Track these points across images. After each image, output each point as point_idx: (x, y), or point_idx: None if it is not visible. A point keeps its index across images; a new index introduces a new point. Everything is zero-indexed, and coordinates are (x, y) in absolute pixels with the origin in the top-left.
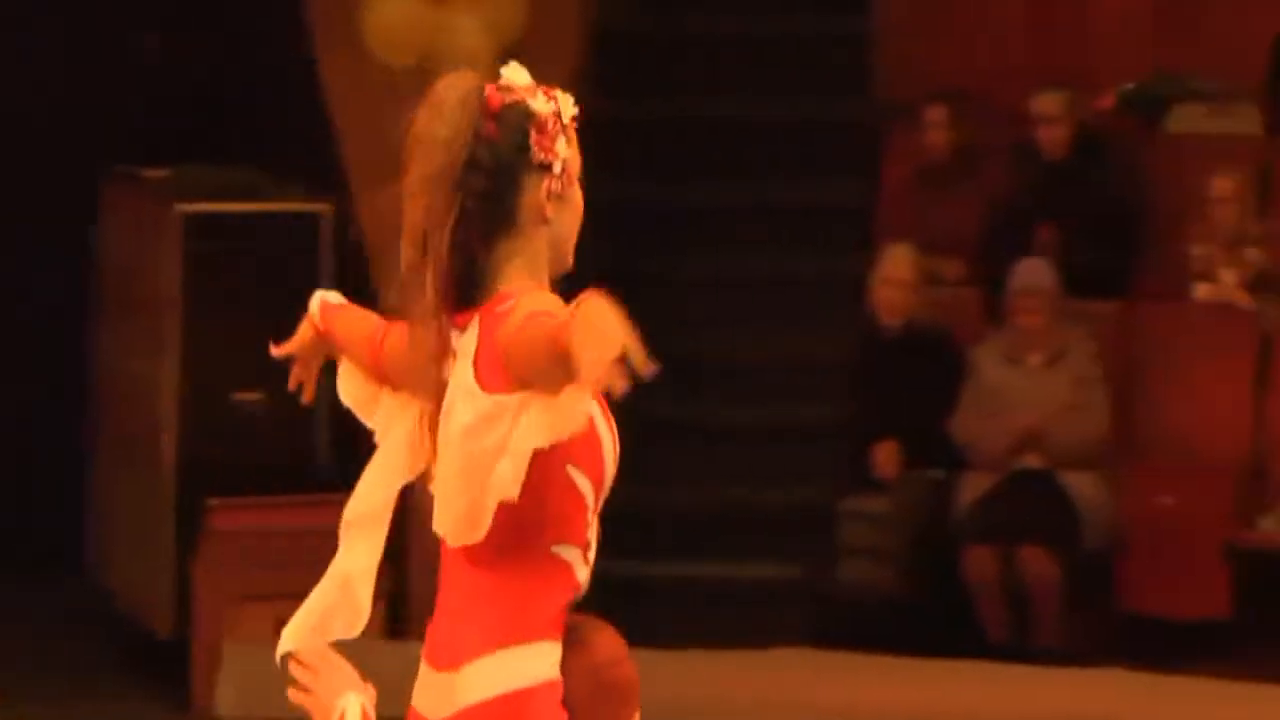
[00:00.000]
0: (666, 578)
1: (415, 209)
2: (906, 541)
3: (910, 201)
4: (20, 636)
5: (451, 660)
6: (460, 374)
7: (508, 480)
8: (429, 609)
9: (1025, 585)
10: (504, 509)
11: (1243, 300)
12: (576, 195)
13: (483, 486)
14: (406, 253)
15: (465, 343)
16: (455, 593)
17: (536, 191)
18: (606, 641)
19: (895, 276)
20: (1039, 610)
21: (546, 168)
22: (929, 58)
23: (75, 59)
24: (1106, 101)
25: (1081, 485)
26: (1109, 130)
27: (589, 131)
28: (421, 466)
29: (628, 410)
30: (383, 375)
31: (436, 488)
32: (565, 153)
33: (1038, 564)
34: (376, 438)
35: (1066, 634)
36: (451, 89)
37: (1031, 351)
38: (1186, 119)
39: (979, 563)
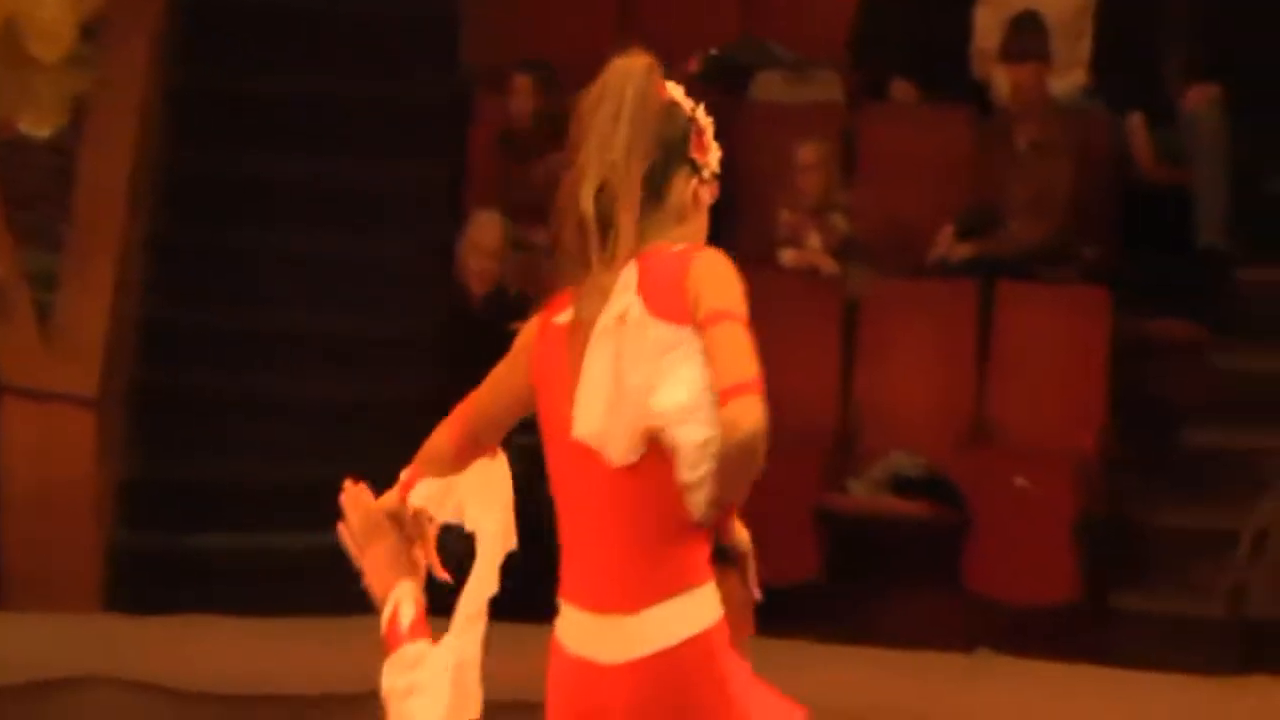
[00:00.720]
0: (238, 549)
1: (583, 181)
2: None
3: (497, 169)
4: None
5: (628, 604)
6: (618, 305)
7: (675, 404)
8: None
9: None
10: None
11: (828, 266)
12: (707, 206)
13: (644, 408)
14: (570, 220)
15: (623, 280)
16: (619, 539)
17: (685, 187)
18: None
19: (483, 244)
20: None
21: (697, 168)
22: (517, 26)
23: None
24: (692, 66)
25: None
26: (694, 97)
27: (171, 101)
28: (513, 542)
29: (206, 388)
30: (467, 448)
31: (590, 407)
32: (713, 162)
33: None
34: (469, 527)
35: None
36: (628, 77)
37: None
38: (770, 87)
39: None
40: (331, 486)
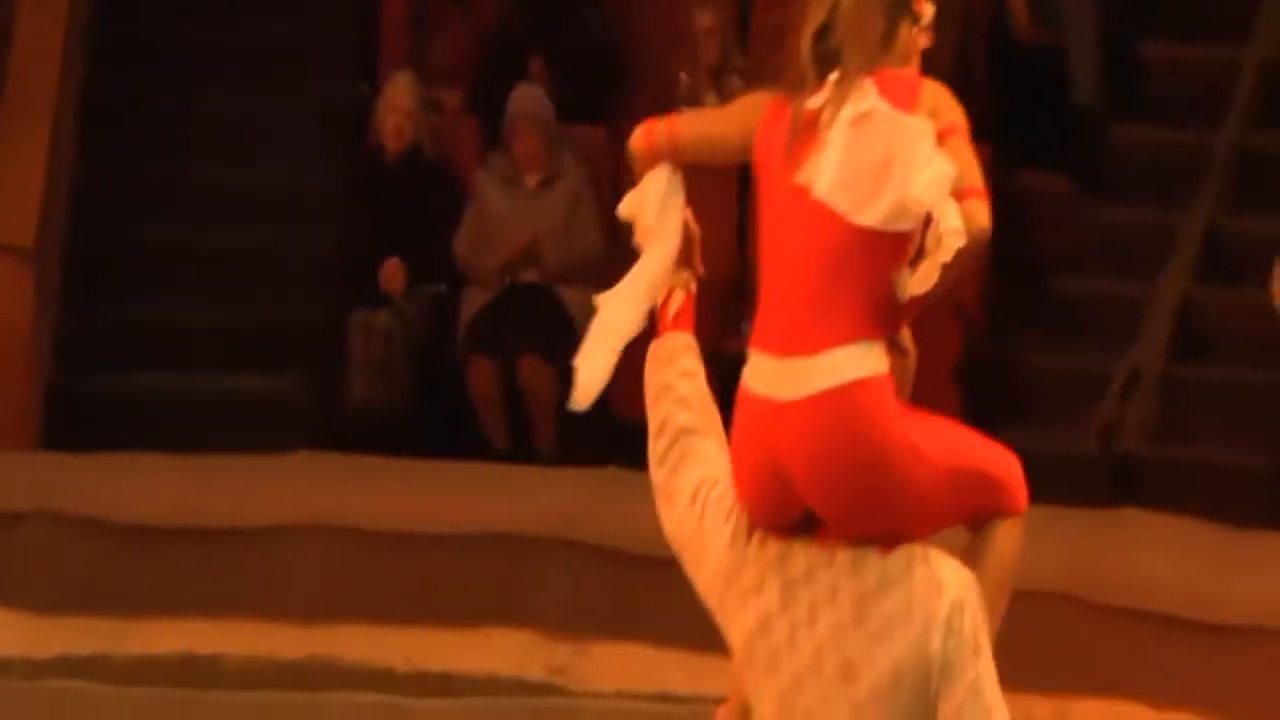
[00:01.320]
0: (166, 390)
1: (805, 26)
2: (412, 355)
3: (409, 34)
4: None
5: (808, 346)
6: (864, 102)
7: (926, 182)
8: None
9: (524, 394)
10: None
11: None
12: (920, 52)
13: (905, 183)
14: (805, 42)
15: (862, 89)
16: (816, 293)
17: (907, 34)
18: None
19: (398, 104)
20: (537, 417)
21: (916, 18)
22: None
23: None
24: None
25: (575, 298)
26: None
27: None
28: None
29: (137, 240)
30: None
31: (833, 171)
32: (929, 15)
33: (535, 374)
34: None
35: (564, 439)
36: None
37: (528, 174)
38: None
39: (481, 373)
40: (252, 331)
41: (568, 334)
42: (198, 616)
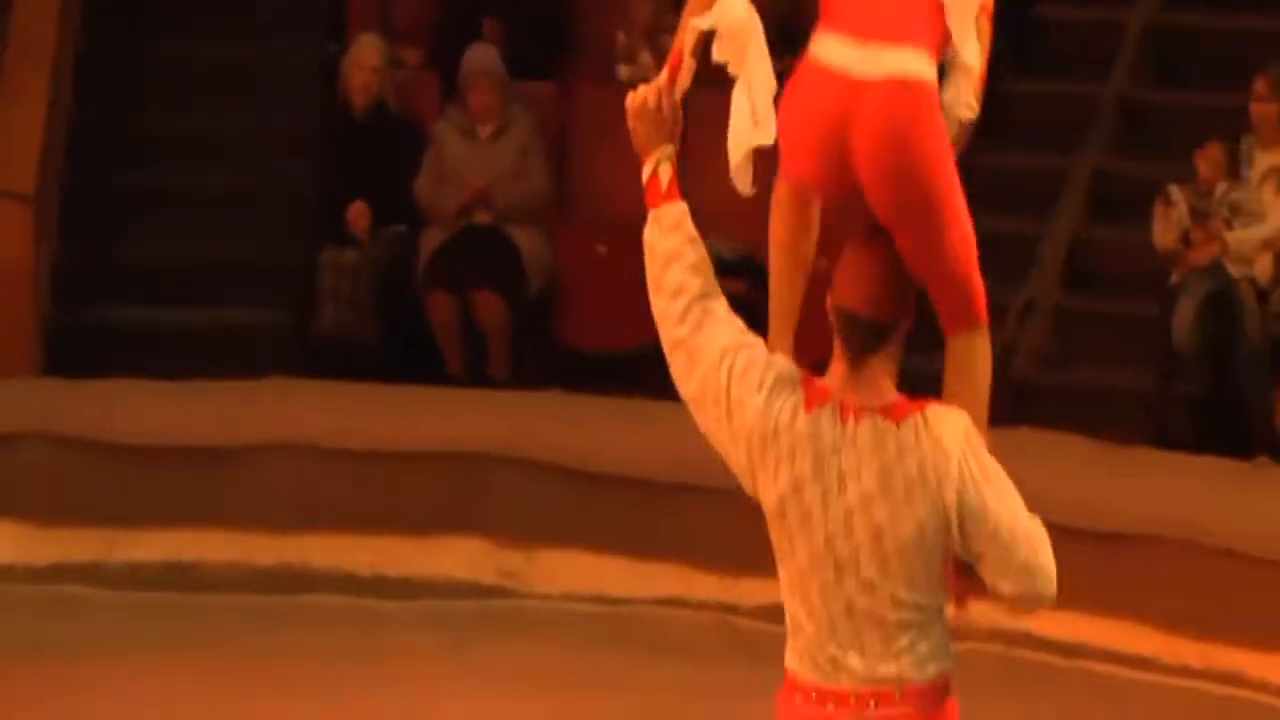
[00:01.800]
0: (154, 322)
1: None
2: (377, 289)
3: None
4: None
5: (889, 35)
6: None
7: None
8: None
9: (479, 324)
10: None
11: (658, 80)
12: None
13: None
14: None
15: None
16: None
17: None
18: None
19: (365, 62)
20: (491, 346)
21: None
22: None
23: None
24: None
25: (526, 238)
26: None
27: None
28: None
29: (129, 183)
30: None
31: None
32: None
33: (488, 306)
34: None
35: (515, 366)
36: None
37: (482, 125)
38: None
39: (439, 306)
40: (233, 268)
41: (518, 270)
42: (182, 527)
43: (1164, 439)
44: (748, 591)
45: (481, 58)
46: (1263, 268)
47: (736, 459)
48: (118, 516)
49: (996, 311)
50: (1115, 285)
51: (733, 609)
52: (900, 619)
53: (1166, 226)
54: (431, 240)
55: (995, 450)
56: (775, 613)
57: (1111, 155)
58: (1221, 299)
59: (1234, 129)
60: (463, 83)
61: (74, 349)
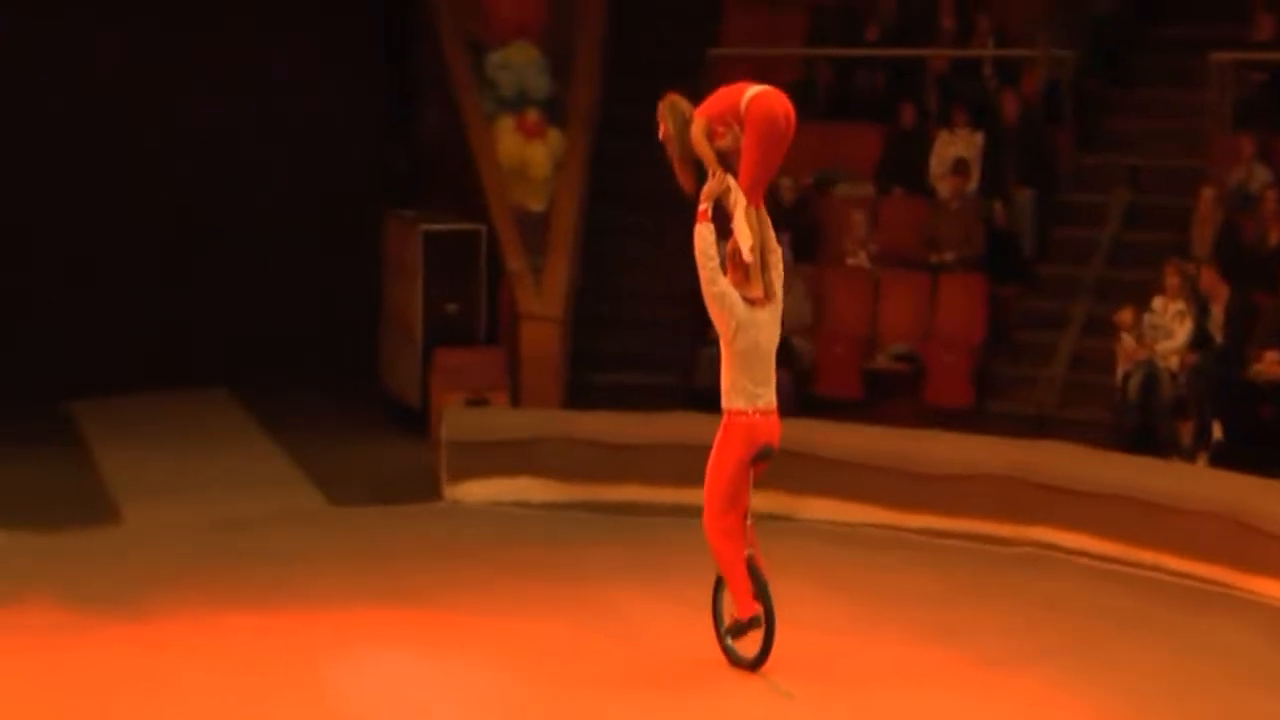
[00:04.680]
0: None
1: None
2: None
3: None
4: (343, 411)
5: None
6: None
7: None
8: None
9: (782, 387)
10: None
11: None
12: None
13: None
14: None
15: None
16: None
17: None
18: None
19: None
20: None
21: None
22: None
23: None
24: None
25: (799, 341)
26: None
27: None
28: None
29: None
30: None
31: None
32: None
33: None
34: None
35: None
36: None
37: None
38: None
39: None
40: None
41: (794, 356)
42: None
43: (1119, 447)
44: None
45: None
46: (1170, 363)
47: (730, 326)
48: None
49: None
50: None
51: None
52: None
53: (1121, 344)
54: None
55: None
56: None
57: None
58: (1150, 378)
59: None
60: None
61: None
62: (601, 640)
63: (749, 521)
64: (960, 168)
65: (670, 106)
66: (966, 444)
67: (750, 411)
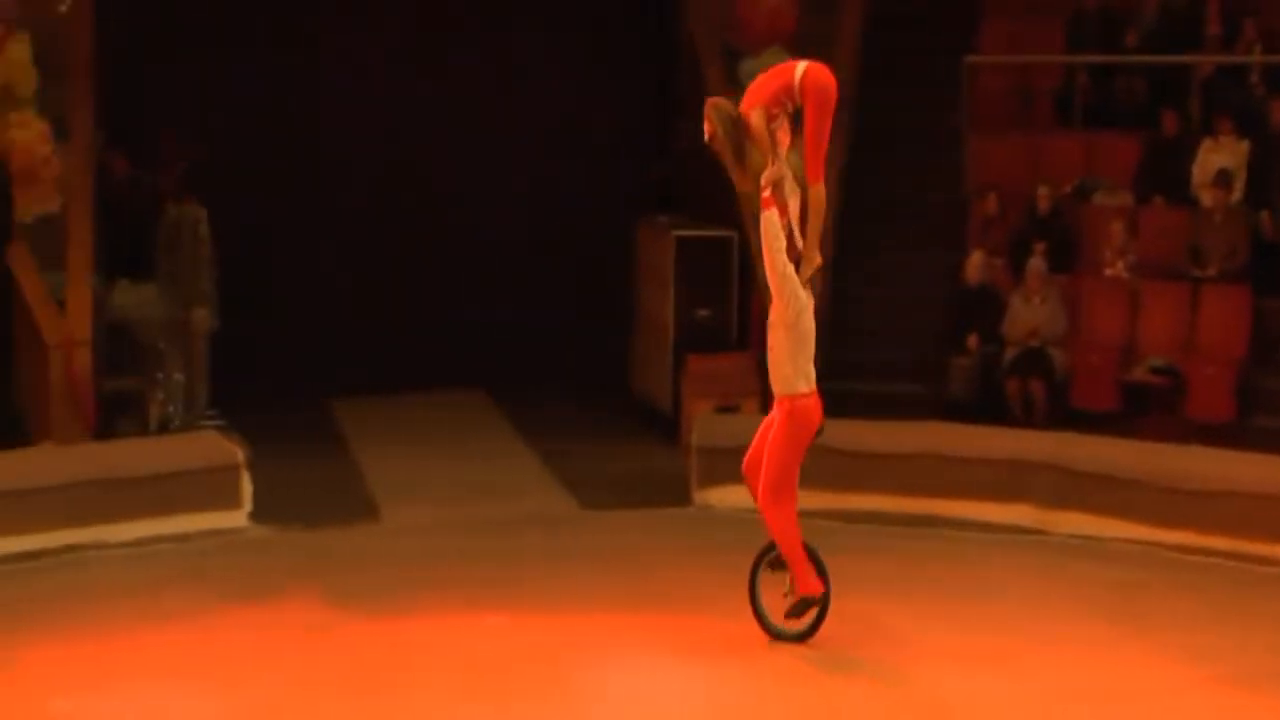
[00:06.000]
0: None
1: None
2: (981, 379)
3: None
4: (596, 415)
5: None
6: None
7: None
8: None
9: (1033, 396)
10: None
11: None
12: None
13: None
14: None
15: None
16: None
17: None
18: None
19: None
20: (1036, 406)
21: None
22: None
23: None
24: None
25: (1057, 353)
26: None
27: None
28: None
29: None
30: None
31: None
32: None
33: (1036, 387)
34: None
35: (1049, 416)
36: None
37: (1036, 294)
38: None
39: (1013, 386)
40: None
41: (1051, 368)
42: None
43: None
44: None
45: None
46: None
47: (794, 310)
48: None
49: None
50: None
51: None
52: None
53: None
54: (1009, 355)
55: None
56: None
57: None
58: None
59: None
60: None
61: None
62: (847, 649)
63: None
64: (1224, 177)
65: (714, 108)
66: (1227, 460)
67: (810, 393)
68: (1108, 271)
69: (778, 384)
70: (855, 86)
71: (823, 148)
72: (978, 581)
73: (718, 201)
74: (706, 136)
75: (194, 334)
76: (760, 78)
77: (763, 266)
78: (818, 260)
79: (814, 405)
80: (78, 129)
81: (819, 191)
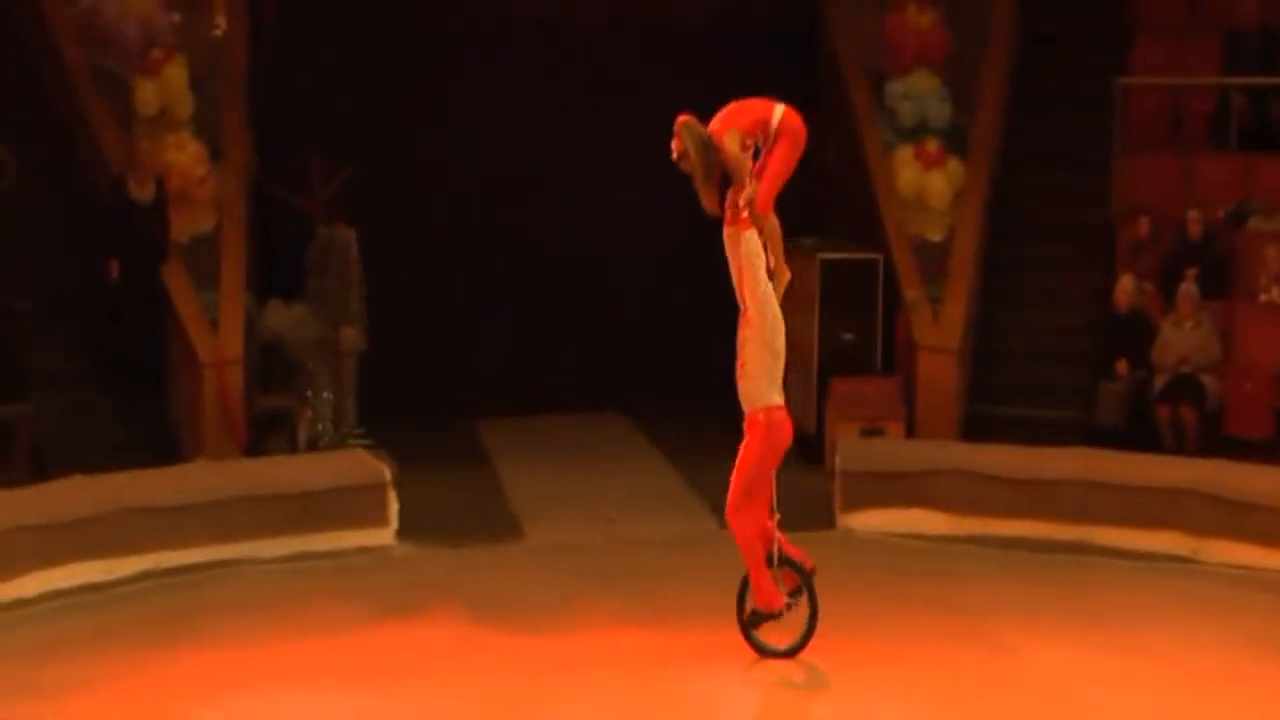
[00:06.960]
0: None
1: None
2: (1129, 406)
3: None
4: (737, 436)
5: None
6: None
7: None
8: None
9: (1182, 422)
10: None
11: None
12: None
13: None
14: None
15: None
16: None
17: None
18: None
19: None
20: (1189, 434)
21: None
22: None
23: None
24: None
25: (1208, 380)
26: None
27: None
28: None
29: None
30: None
31: None
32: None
33: (1188, 413)
34: None
35: (1180, 441)
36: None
37: (1187, 320)
38: None
39: (1164, 413)
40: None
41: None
42: None
43: None
44: None
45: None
46: None
47: (771, 326)
48: None
49: None
50: None
51: None
52: None
53: None
54: (1159, 381)
55: None
56: None
57: None
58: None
59: None
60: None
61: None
62: (990, 679)
63: (777, 516)
64: None
65: (687, 127)
66: None
67: (782, 406)
68: (1263, 298)
69: (752, 398)
70: (1005, 108)
71: (779, 186)
72: (1126, 610)
73: (864, 223)
74: (675, 155)
75: (343, 353)
76: (732, 105)
77: (743, 285)
78: (788, 275)
79: (788, 418)
80: (232, 150)
81: (772, 219)
